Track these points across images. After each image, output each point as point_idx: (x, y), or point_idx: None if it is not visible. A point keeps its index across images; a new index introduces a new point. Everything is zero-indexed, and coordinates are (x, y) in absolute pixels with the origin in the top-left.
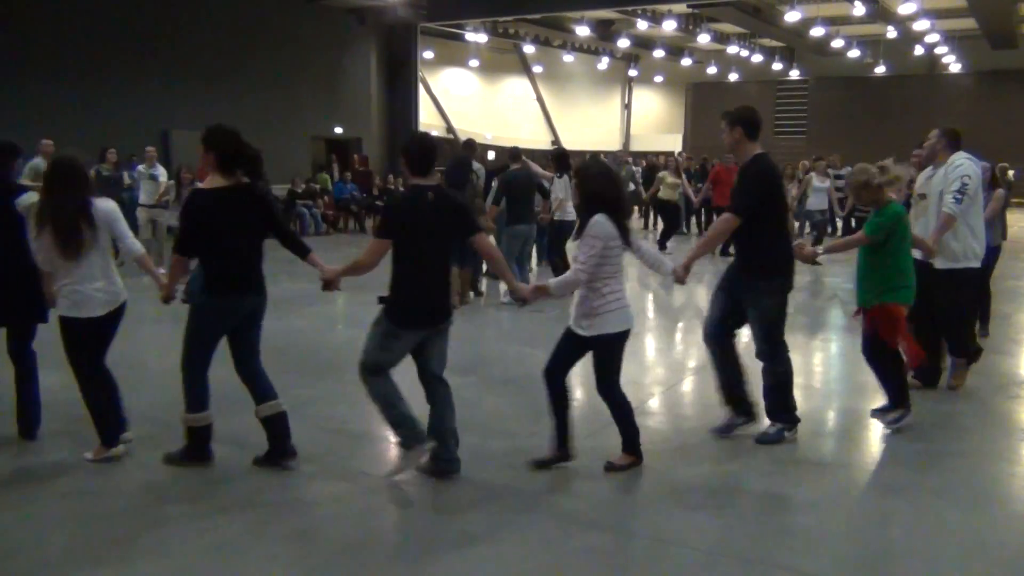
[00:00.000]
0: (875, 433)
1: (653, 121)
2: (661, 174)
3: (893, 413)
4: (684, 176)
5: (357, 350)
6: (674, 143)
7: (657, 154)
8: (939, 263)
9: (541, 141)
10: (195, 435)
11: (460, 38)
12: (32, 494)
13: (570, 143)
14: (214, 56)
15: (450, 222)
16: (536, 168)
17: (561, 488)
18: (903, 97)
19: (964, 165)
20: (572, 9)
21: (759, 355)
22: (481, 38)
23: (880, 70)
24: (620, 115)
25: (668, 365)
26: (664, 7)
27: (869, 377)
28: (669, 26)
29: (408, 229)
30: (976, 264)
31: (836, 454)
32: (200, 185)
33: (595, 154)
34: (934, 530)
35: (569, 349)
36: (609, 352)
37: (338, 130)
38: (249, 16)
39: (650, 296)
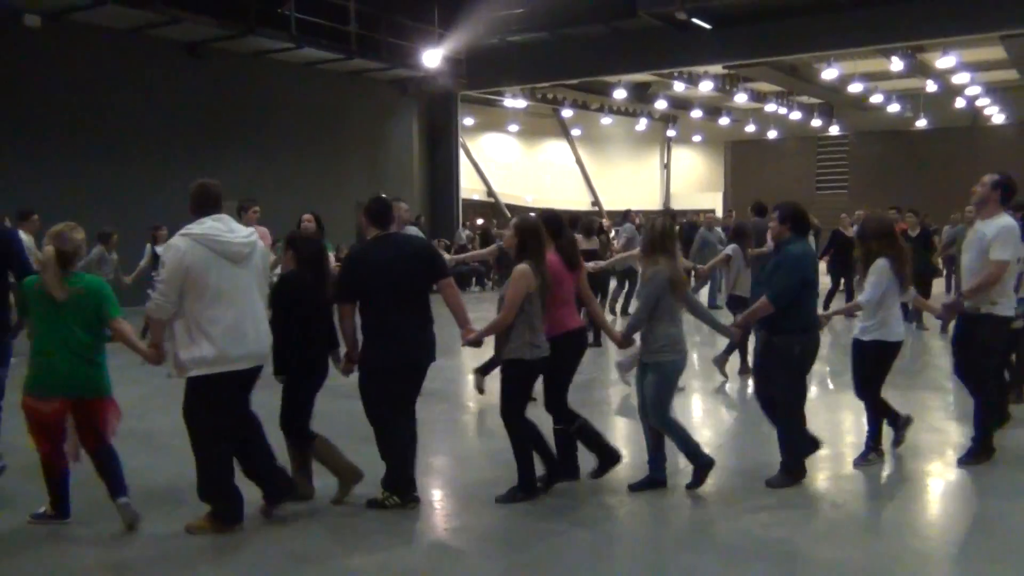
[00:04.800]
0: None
1: (693, 180)
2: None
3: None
4: None
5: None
6: (714, 201)
7: (697, 212)
8: None
9: (581, 203)
10: None
11: (499, 104)
12: None
13: (610, 204)
14: (263, 128)
15: None
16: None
17: (663, 551)
18: (946, 150)
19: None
20: (609, 73)
21: None
22: (520, 104)
23: (921, 123)
24: (660, 175)
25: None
26: (700, 69)
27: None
28: (706, 87)
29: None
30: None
31: (893, 516)
32: None
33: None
34: None
35: None
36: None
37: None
38: (297, 91)
39: None
